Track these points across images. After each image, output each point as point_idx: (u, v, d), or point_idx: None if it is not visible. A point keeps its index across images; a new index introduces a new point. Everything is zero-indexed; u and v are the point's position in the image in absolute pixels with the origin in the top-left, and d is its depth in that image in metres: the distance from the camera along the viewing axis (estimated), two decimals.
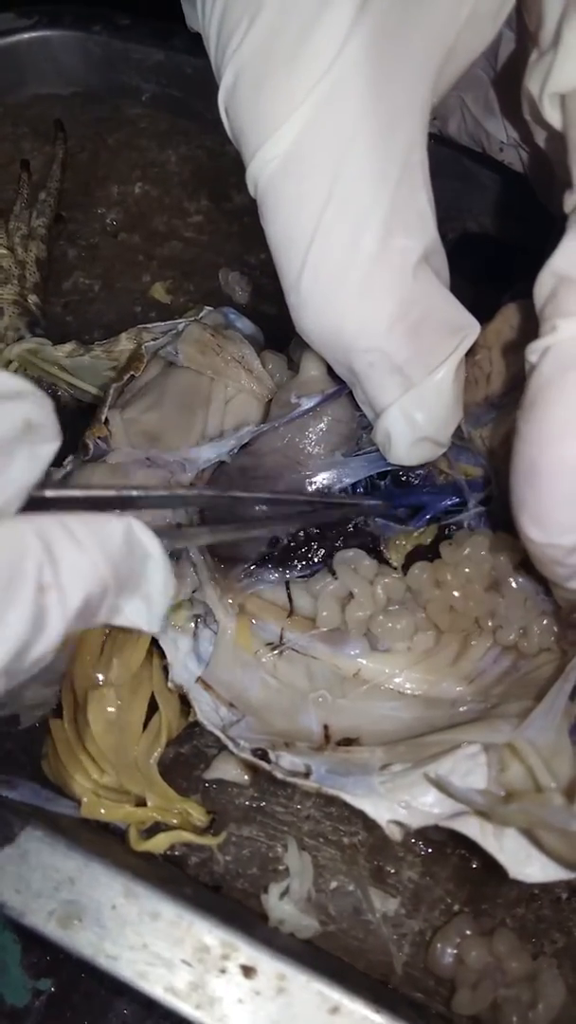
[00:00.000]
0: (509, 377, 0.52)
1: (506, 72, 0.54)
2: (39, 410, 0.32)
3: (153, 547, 0.36)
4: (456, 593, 0.50)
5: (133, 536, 0.35)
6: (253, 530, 0.54)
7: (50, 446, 0.33)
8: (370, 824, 0.53)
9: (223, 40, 0.45)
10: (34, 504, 0.33)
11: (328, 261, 0.45)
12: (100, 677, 0.54)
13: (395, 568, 0.55)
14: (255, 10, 0.43)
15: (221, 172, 0.82)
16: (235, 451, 0.57)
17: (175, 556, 0.56)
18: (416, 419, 0.49)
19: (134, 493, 0.42)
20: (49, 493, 0.36)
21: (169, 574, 0.37)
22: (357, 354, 0.47)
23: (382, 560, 0.55)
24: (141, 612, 0.37)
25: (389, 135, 0.44)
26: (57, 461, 0.59)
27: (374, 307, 0.46)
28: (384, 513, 0.56)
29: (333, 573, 0.54)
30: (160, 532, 0.37)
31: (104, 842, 0.51)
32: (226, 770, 0.55)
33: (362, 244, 0.44)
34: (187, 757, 0.56)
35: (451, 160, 0.74)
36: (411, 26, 0.43)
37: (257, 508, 0.55)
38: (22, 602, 0.31)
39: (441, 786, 0.44)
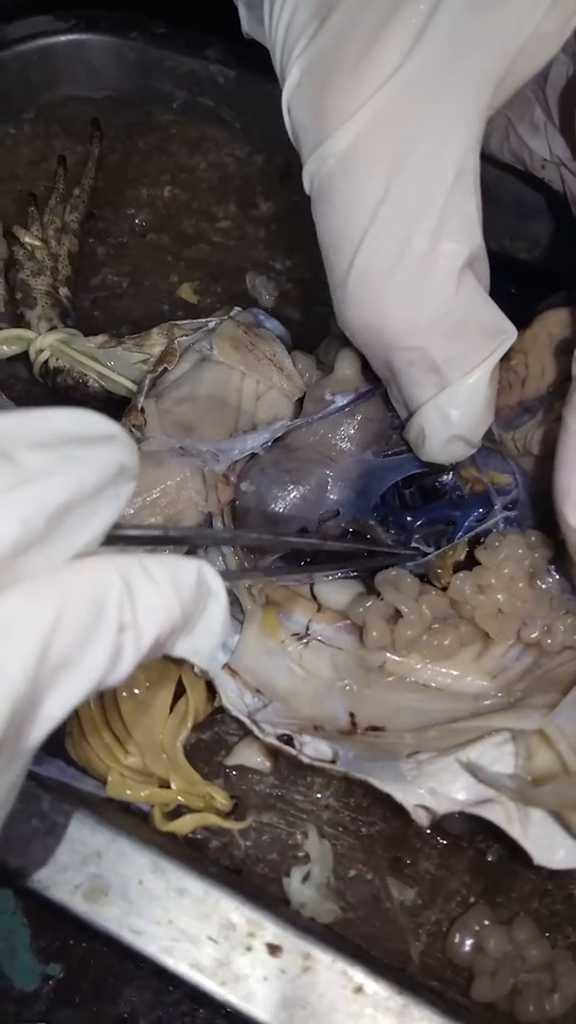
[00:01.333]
0: (545, 382, 0.54)
1: (555, 92, 0.56)
2: (129, 453, 0.32)
3: (219, 589, 0.36)
4: (501, 596, 0.51)
5: (203, 578, 0.35)
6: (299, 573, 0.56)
7: (131, 485, 0.33)
8: (388, 815, 0.54)
9: (290, 40, 0.47)
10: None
11: (377, 260, 0.47)
12: None
13: (440, 587, 0.55)
14: (326, 12, 0.45)
15: (249, 180, 0.84)
16: (268, 444, 0.58)
17: (204, 547, 0.57)
18: (451, 416, 0.50)
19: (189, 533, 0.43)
20: (128, 532, 0.36)
21: (228, 617, 0.37)
22: (398, 352, 0.49)
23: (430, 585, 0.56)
24: (196, 650, 0.37)
25: (446, 141, 0.45)
26: None
27: (418, 307, 0.47)
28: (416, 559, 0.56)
29: (377, 593, 0.54)
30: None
31: (129, 820, 0.52)
32: (248, 756, 0.55)
33: (412, 245, 0.46)
34: (208, 743, 0.57)
35: None
36: (475, 39, 0.44)
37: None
38: (105, 641, 0.31)
39: (472, 770, 0.45)
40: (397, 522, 0.58)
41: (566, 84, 0.55)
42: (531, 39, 0.45)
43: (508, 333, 0.50)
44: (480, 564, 0.52)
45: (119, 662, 0.32)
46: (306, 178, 0.48)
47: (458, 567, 0.54)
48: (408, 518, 0.58)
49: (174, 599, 0.33)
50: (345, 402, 0.58)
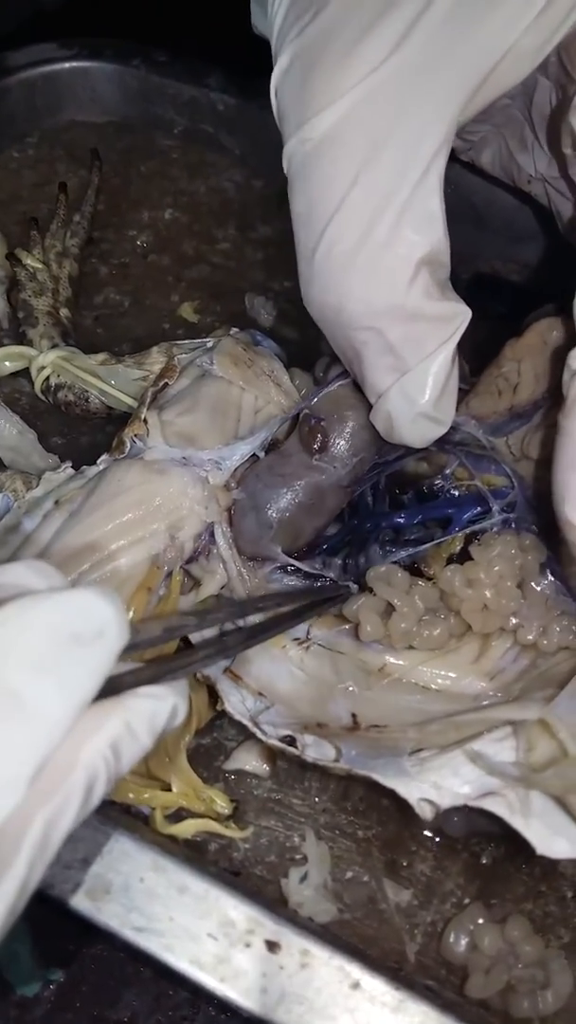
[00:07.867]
0: (540, 388, 0.55)
1: (539, 114, 0.58)
2: (121, 641, 0.32)
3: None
4: (488, 593, 0.53)
5: (175, 713, 0.36)
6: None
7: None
8: (384, 818, 0.55)
9: (286, 27, 0.49)
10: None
11: (342, 240, 0.49)
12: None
13: (430, 578, 0.56)
14: (321, 4, 0.48)
15: (248, 204, 0.86)
16: (267, 441, 0.60)
17: (205, 555, 0.59)
18: (415, 397, 0.51)
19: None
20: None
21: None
22: (355, 331, 0.51)
23: (420, 575, 0.57)
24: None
25: (418, 139, 0.48)
26: (90, 460, 0.62)
27: (376, 290, 0.49)
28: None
29: (370, 590, 0.55)
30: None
31: (130, 820, 0.52)
32: (247, 760, 0.56)
33: (375, 230, 0.48)
34: (208, 748, 0.57)
35: (465, 206, 0.79)
36: (458, 47, 0.47)
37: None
38: (90, 800, 0.33)
39: (476, 759, 0.46)
40: (391, 524, 0.59)
41: (551, 113, 0.57)
42: (510, 54, 0.47)
43: (463, 315, 0.51)
44: (473, 559, 0.53)
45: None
46: (285, 158, 0.50)
47: (452, 560, 0.56)
48: (402, 518, 0.59)
49: (149, 742, 0.35)
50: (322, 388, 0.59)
